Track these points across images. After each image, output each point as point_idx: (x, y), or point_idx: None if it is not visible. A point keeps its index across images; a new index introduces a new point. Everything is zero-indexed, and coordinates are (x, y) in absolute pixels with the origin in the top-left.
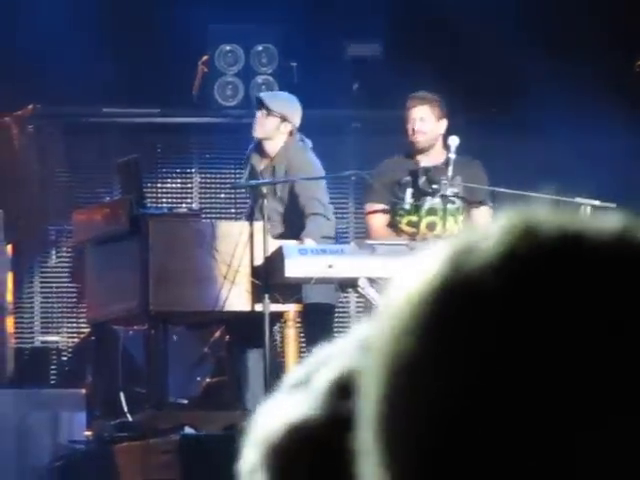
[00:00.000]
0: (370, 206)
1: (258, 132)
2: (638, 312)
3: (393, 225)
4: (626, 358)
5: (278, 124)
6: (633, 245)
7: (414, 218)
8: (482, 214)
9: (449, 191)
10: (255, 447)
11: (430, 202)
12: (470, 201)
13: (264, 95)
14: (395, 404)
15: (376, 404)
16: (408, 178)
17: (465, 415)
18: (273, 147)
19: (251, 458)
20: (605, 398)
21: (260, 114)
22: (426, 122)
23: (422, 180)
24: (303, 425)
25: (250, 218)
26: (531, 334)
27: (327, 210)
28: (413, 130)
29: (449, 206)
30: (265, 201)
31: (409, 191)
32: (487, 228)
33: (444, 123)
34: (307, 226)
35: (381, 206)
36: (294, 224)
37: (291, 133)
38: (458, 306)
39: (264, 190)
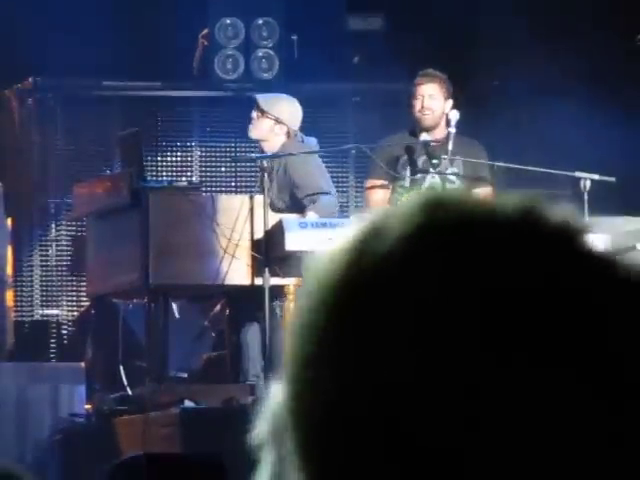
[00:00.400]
0: (371, 182)
1: (252, 133)
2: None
3: (392, 202)
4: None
5: (272, 126)
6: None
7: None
8: (483, 193)
9: (449, 170)
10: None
11: (430, 180)
12: (470, 180)
13: (259, 97)
14: (298, 391)
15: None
16: (408, 154)
17: (356, 411)
18: (270, 148)
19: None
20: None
21: (254, 115)
22: (435, 100)
23: (422, 156)
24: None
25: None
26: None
27: (330, 187)
28: (422, 106)
29: (448, 185)
30: (266, 175)
31: (409, 168)
32: (393, 209)
33: (449, 103)
34: (313, 205)
35: (381, 182)
36: (295, 205)
37: (289, 134)
38: (355, 296)
39: (265, 164)
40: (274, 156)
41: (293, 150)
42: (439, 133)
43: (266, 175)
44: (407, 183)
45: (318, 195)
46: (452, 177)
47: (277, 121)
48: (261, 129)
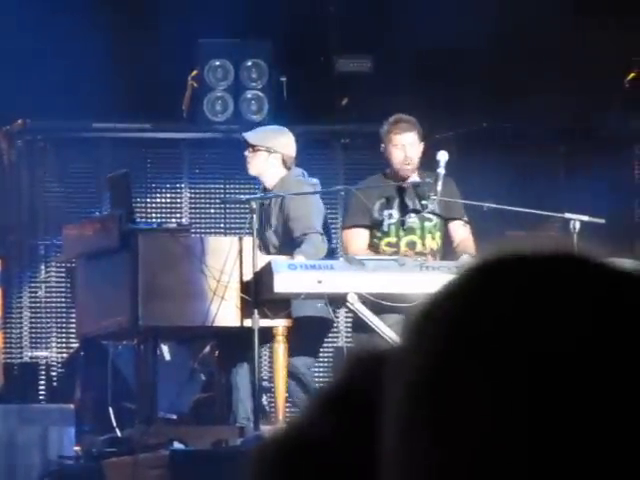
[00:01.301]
0: (349, 225)
1: (250, 170)
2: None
3: (372, 247)
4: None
5: (266, 157)
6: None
7: (393, 239)
8: (460, 230)
9: (434, 205)
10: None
11: (408, 221)
12: (447, 217)
13: (247, 134)
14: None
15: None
16: (393, 194)
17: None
18: (270, 181)
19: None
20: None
21: (247, 152)
22: (415, 147)
23: (409, 196)
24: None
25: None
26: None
27: (322, 233)
28: (406, 157)
29: (426, 224)
30: (254, 217)
31: (387, 212)
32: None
33: (422, 146)
34: (302, 245)
35: (361, 226)
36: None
37: (285, 164)
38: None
39: (254, 205)
40: (263, 197)
41: (293, 184)
42: (415, 176)
43: (254, 217)
44: (385, 227)
45: (310, 235)
46: (429, 215)
47: (269, 151)
48: (256, 164)
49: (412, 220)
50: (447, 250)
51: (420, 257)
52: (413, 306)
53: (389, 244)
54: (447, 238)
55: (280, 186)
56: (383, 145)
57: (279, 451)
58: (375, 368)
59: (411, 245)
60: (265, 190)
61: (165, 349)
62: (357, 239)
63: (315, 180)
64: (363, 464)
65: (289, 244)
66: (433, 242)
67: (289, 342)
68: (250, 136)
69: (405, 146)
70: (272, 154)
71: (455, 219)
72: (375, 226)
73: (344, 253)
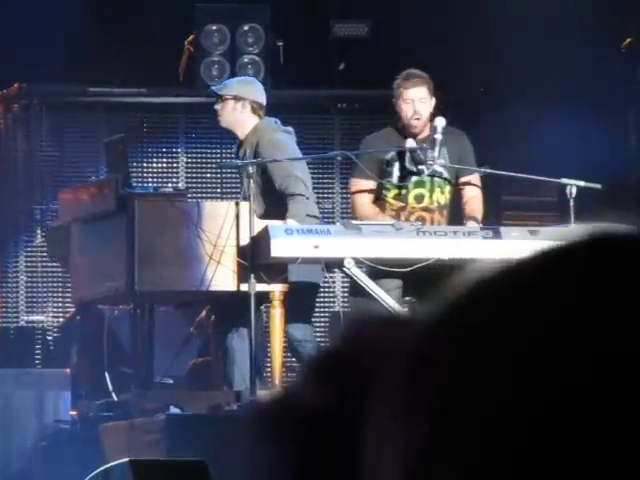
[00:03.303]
0: (356, 182)
1: (221, 122)
2: None
3: (379, 199)
4: None
5: (233, 105)
6: None
7: (402, 191)
8: (468, 187)
9: (435, 165)
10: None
11: (416, 177)
12: (457, 172)
13: (214, 86)
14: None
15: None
16: (394, 155)
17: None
18: (242, 131)
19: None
20: None
21: (217, 105)
22: (425, 103)
23: (408, 159)
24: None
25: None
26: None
27: (307, 188)
28: (415, 112)
29: (436, 178)
30: (251, 181)
31: (396, 167)
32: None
33: (434, 102)
34: (289, 208)
35: (367, 182)
36: (273, 205)
37: (255, 112)
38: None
39: (250, 170)
40: (259, 162)
41: (266, 131)
42: (425, 132)
43: (251, 181)
44: (395, 180)
45: (295, 180)
46: (439, 169)
47: (236, 99)
48: (225, 114)
49: (421, 176)
50: (457, 209)
51: (426, 213)
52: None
53: (397, 196)
54: (456, 195)
55: (252, 134)
56: (394, 99)
57: (271, 418)
58: (371, 335)
59: (419, 199)
60: (240, 145)
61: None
62: (363, 195)
63: (290, 128)
64: (351, 434)
65: (271, 196)
66: (442, 196)
67: (286, 309)
68: (217, 87)
69: (414, 101)
70: (240, 102)
71: (467, 173)
72: (383, 177)
73: (352, 208)
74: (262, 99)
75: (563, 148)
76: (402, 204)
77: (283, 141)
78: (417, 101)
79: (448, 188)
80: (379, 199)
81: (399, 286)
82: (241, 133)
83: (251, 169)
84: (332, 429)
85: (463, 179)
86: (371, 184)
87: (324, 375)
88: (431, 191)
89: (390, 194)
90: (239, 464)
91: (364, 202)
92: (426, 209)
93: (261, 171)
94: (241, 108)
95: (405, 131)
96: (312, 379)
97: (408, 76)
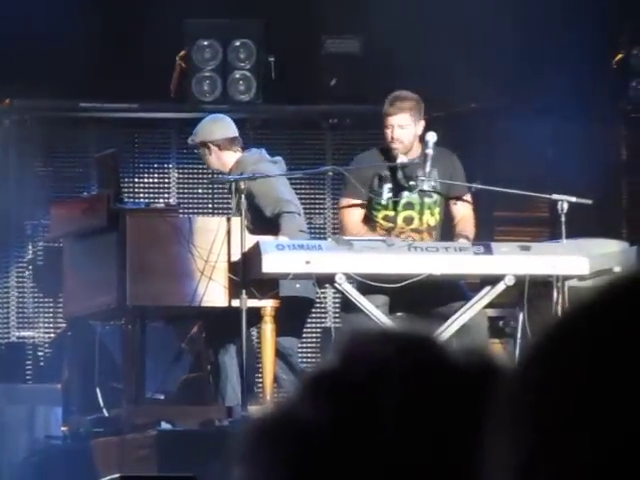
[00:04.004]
0: (346, 201)
1: (210, 167)
2: None
3: (369, 219)
4: None
5: (204, 151)
6: None
7: (391, 213)
8: (459, 206)
9: (425, 185)
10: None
11: (407, 196)
12: (448, 193)
13: (189, 140)
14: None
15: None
16: (386, 172)
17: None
18: (227, 169)
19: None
20: None
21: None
22: (405, 129)
23: (399, 175)
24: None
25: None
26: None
27: (297, 207)
28: (392, 138)
29: (426, 199)
30: (242, 197)
31: (386, 186)
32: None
33: (422, 124)
34: (282, 226)
35: (356, 201)
36: (260, 229)
37: (225, 148)
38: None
39: (242, 185)
40: (251, 178)
41: (248, 163)
42: (413, 153)
43: (242, 197)
44: (384, 201)
45: (282, 208)
46: (429, 189)
47: (204, 145)
48: (205, 160)
49: (412, 195)
50: (448, 228)
51: (416, 234)
52: (405, 287)
53: (386, 217)
54: (448, 215)
55: (235, 168)
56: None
57: (266, 434)
58: (366, 352)
59: (408, 220)
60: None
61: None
62: (353, 212)
63: (277, 157)
64: (346, 449)
65: (260, 222)
66: (431, 218)
67: (277, 322)
68: (189, 141)
69: (394, 127)
70: (206, 147)
71: (456, 196)
72: (372, 199)
73: (340, 227)
74: (228, 133)
75: (554, 163)
76: (391, 224)
77: (266, 171)
78: (396, 127)
79: (438, 210)
80: (368, 219)
81: (386, 303)
82: (227, 171)
83: (242, 185)
84: (326, 444)
85: (455, 198)
86: (360, 203)
87: (319, 391)
88: (421, 213)
89: (380, 215)
90: None
91: (353, 220)
92: (415, 230)
93: (248, 200)
94: (209, 151)
95: (388, 151)
96: (307, 395)
97: (393, 100)
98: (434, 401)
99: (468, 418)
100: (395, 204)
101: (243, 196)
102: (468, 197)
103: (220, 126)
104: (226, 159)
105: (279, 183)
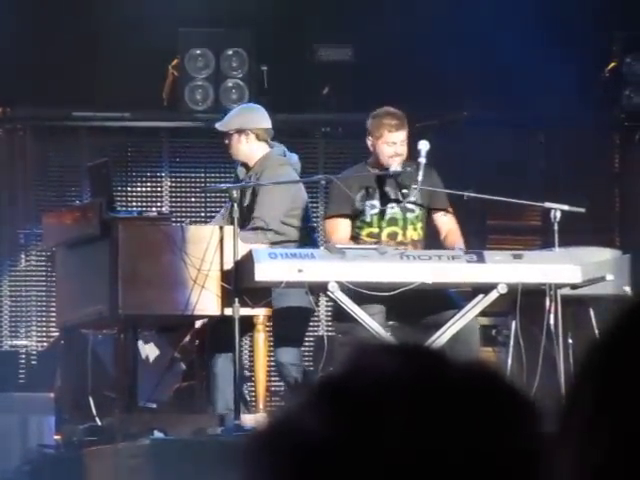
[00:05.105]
0: (331, 219)
1: (235, 157)
2: None
3: (353, 236)
4: None
5: (237, 138)
6: None
7: (375, 230)
8: (444, 220)
9: (415, 196)
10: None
11: (390, 212)
12: (429, 207)
13: (217, 123)
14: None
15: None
16: (373, 186)
17: None
18: (253, 161)
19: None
20: None
21: (225, 141)
22: (405, 145)
23: (389, 186)
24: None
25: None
26: None
27: (272, 224)
28: (395, 153)
29: (408, 215)
30: (235, 205)
31: (370, 202)
32: None
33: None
34: (248, 228)
35: (342, 219)
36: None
37: (260, 139)
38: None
39: (234, 194)
40: (243, 186)
41: (274, 162)
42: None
43: (235, 205)
44: (368, 218)
45: (259, 224)
46: (411, 206)
47: (238, 131)
48: (234, 149)
49: (394, 211)
50: (430, 240)
51: (400, 246)
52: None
53: (370, 234)
54: (430, 229)
55: (260, 163)
56: (371, 138)
57: (267, 443)
58: (384, 364)
59: (392, 236)
60: (247, 169)
61: (143, 345)
62: (339, 229)
63: (295, 158)
64: (358, 460)
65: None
66: (414, 233)
67: (272, 332)
68: (219, 124)
69: (397, 144)
70: (243, 134)
71: (438, 209)
72: (357, 216)
73: (326, 242)
74: (266, 124)
75: (547, 172)
76: (376, 241)
77: (284, 177)
78: (399, 144)
79: (421, 225)
80: (353, 237)
81: (382, 311)
82: (252, 163)
83: (235, 193)
84: (329, 455)
85: (438, 210)
86: (346, 219)
87: (322, 401)
88: (404, 229)
89: (364, 232)
90: None
91: (340, 237)
92: (400, 243)
93: (255, 200)
94: (245, 139)
95: (379, 166)
96: (310, 405)
97: (392, 117)
98: (439, 412)
99: (472, 429)
100: (380, 221)
101: (236, 205)
102: (450, 209)
103: (261, 115)
104: (257, 151)
105: (278, 203)
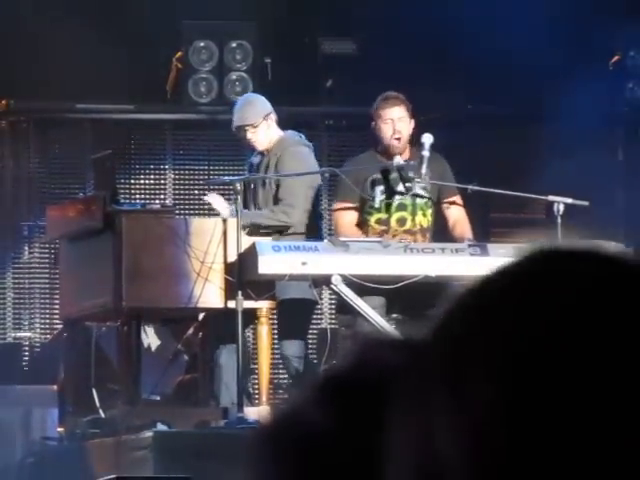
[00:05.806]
0: (339, 204)
1: (259, 147)
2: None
3: (362, 224)
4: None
5: (266, 125)
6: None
7: (384, 215)
8: (452, 210)
9: (420, 188)
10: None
11: (399, 198)
12: (439, 195)
13: (239, 120)
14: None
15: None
16: (379, 175)
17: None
18: (270, 145)
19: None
20: None
21: (249, 134)
22: (403, 122)
23: (394, 177)
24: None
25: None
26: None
27: (295, 207)
28: (394, 130)
29: (418, 201)
30: (239, 198)
31: (380, 188)
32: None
33: (412, 123)
34: (269, 212)
35: (350, 204)
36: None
37: (276, 120)
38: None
39: (238, 187)
40: (245, 178)
41: (292, 144)
42: (405, 155)
43: (239, 198)
44: (377, 204)
45: (287, 204)
46: (421, 191)
47: (265, 119)
48: (262, 138)
49: (404, 198)
50: (438, 232)
51: (409, 235)
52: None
53: (379, 220)
54: (440, 219)
55: (278, 145)
56: (374, 123)
57: (273, 436)
58: (388, 357)
59: (401, 222)
60: (262, 155)
61: (150, 331)
62: (346, 216)
63: (308, 142)
64: (354, 451)
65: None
66: (424, 219)
67: (277, 324)
68: (245, 119)
69: (394, 120)
70: (268, 119)
71: (446, 199)
72: (366, 202)
73: (334, 230)
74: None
75: (551, 165)
76: (384, 227)
77: (304, 154)
78: (396, 120)
79: (430, 211)
80: (361, 224)
81: (383, 304)
82: (269, 147)
83: (239, 186)
84: (333, 449)
85: (447, 200)
86: (354, 206)
87: (327, 396)
88: (413, 214)
89: (372, 218)
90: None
91: (347, 223)
92: (408, 231)
93: (275, 182)
94: (269, 125)
95: (386, 153)
96: (314, 399)
97: (385, 97)
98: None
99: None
100: (388, 206)
101: (239, 197)
102: (459, 199)
103: (266, 101)
104: (275, 134)
105: (305, 184)
